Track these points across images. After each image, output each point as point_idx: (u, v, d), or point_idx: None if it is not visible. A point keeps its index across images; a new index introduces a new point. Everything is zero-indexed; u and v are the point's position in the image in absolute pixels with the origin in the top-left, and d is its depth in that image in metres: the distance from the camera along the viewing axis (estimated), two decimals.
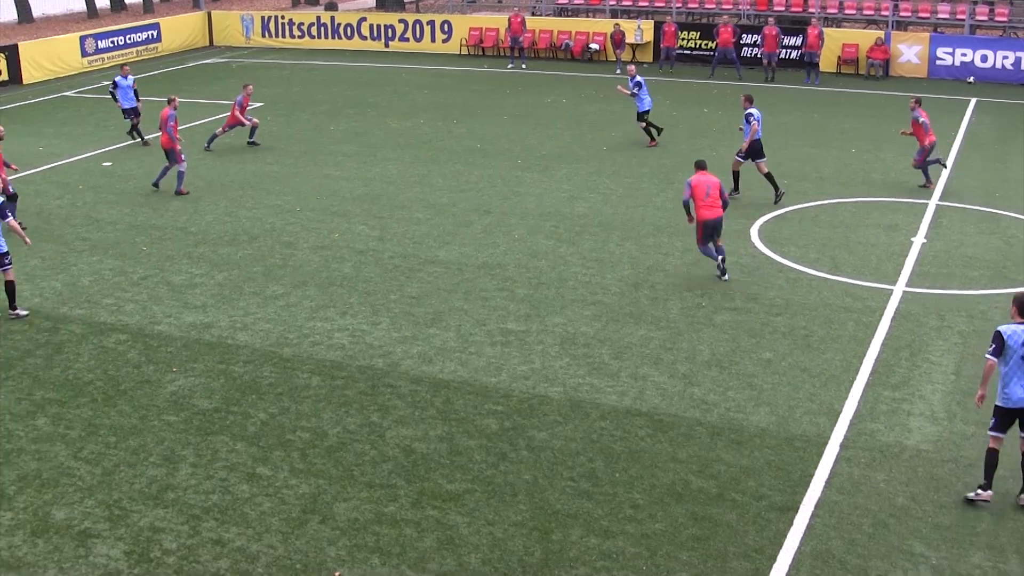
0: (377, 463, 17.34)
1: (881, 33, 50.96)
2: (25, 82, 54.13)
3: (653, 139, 37.02)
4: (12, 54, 54.53)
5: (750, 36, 52.05)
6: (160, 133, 32.83)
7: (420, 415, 18.81)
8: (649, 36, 53.82)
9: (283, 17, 64.38)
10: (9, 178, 29.93)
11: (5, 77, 53.69)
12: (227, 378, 20.57)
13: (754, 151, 30.58)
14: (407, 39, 60.03)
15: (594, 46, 54.39)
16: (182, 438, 18.41)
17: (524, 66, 53.24)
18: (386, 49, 60.16)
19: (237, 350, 21.77)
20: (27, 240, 24.27)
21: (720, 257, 24.92)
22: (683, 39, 53.32)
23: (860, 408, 18.80)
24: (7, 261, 23.44)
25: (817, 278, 24.73)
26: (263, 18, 64.56)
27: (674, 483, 16.54)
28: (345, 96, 44.71)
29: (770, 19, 51.03)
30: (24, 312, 23.90)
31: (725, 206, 24.69)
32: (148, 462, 17.72)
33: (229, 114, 38.41)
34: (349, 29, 61.76)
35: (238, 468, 17.40)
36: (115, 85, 40.44)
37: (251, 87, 38.59)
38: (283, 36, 63.35)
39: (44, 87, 53.35)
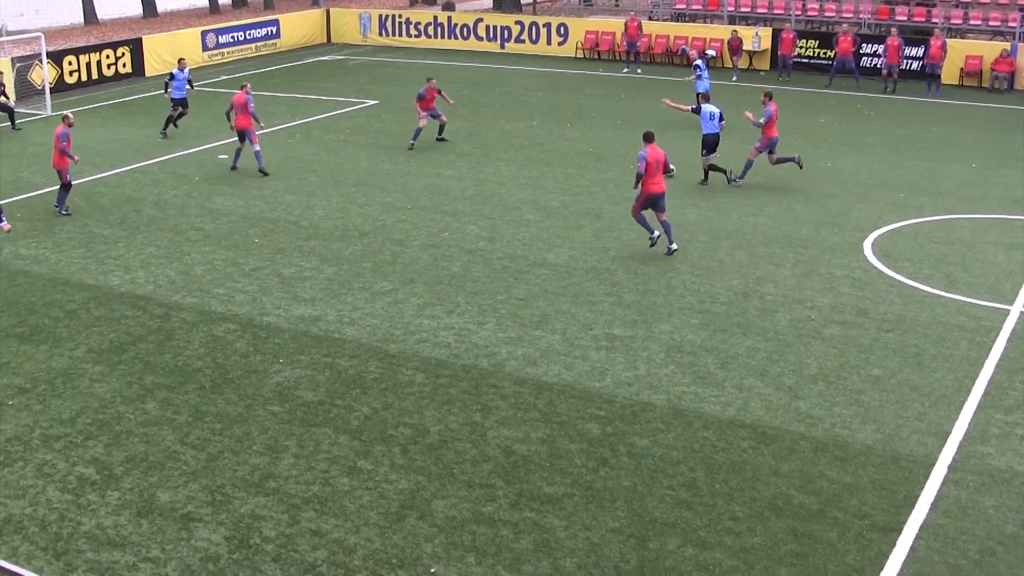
0: (477, 462, 17.41)
1: (1007, 45, 49.83)
2: (148, 75, 54.92)
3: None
4: (136, 47, 55.38)
5: (870, 46, 51.42)
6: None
7: (522, 417, 18.86)
8: (767, 44, 53.38)
9: (400, 16, 64.73)
10: (69, 168, 30.91)
11: (129, 70, 54.52)
12: (332, 371, 20.75)
13: (709, 144, 33.11)
14: (523, 41, 60.11)
15: (710, 52, 54.07)
16: (286, 428, 18.62)
17: (639, 71, 53.09)
18: (502, 50, 60.28)
19: (343, 344, 21.96)
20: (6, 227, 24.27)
21: (670, 232, 26.79)
22: (801, 47, 52.78)
23: (971, 430, 18.48)
24: None
25: (931, 295, 24.40)
26: (380, 16, 64.94)
27: (775, 497, 16.43)
28: (459, 96, 44.85)
29: (893, 29, 50.40)
30: None
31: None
32: (252, 450, 17.94)
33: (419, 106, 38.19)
34: (465, 29, 61.95)
35: (339, 461, 17.56)
36: (172, 76, 41.22)
37: (434, 80, 38.65)
38: (400, 35, 63.69)
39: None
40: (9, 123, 42.72)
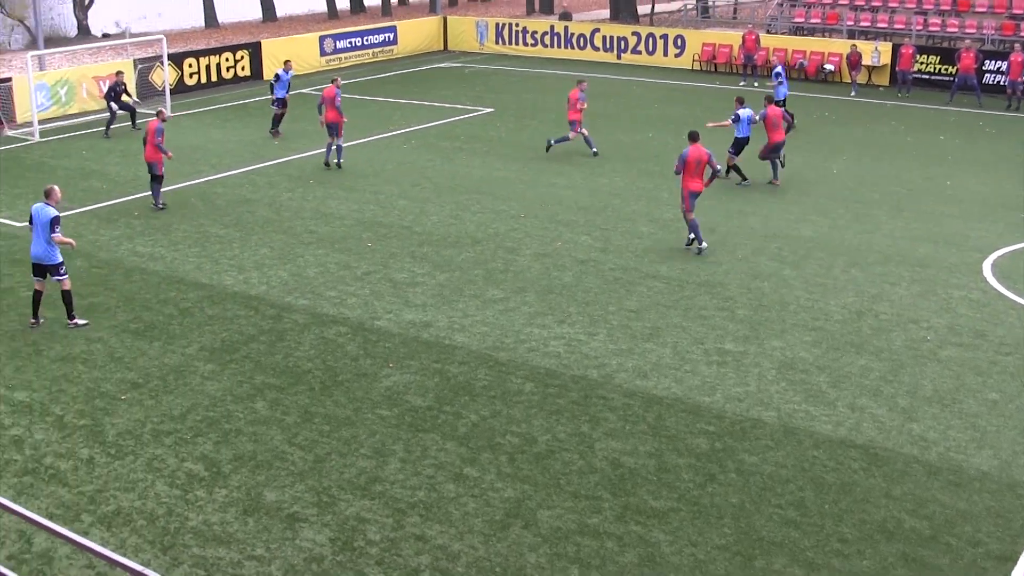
0: (584, 474, 17.33)
1: None
2: (266, 78, 55.38)
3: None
4: (255, 51, 56.03)
5: (993, 62, 50.50)
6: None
7: (631, 429, 18.75)
8: (886, 59, 52.67)
9: (517, 25, 64.84)
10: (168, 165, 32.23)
11: (247, 73, 55.13)
12: (442, 377, 20.77)
13: (738, 146, 34.70)
14: (639, 52, 59.92)
15: (829, 67, 53.58)
16: (393, 433, 18.66)
17: (756, 84, 52.69)
18: (618, 61, 60.14)
19: (453, 351, 21.97)
20: (73, 244, 24.34)
21: (693, 234, 28.18)
22: (921, 63, 51.99)
23: None
24: (62, 271, 23.50)
25: None
26: (497, 25, 65.10)
27: (885, 520, 16.18)
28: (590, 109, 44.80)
29: (1016, 45, 49.52)
30: (83, 322, 23.85)
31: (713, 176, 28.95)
32: (359, 453, 18.00)
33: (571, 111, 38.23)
34: (582, 39, 61.89)
35: (446, 467, 17.56)
36: (277, 78, 41.99)
37: (586, 83, 38.89)
38: (516, 43, 63.79)
39: (299, 82, 54.61)
40: (130, 123, 43.33)
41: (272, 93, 42.23)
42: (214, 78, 53.87)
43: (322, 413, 19.45)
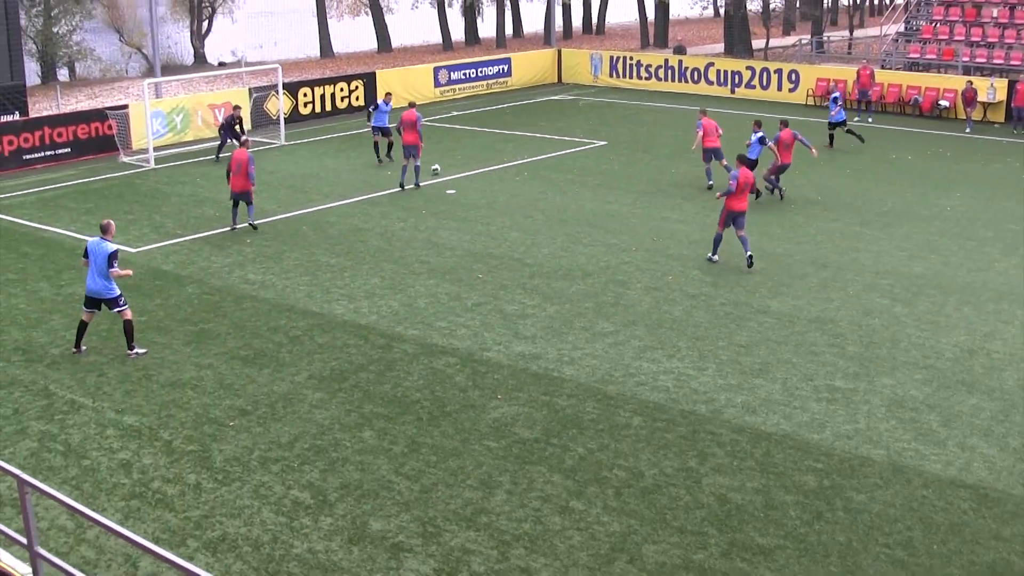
0: (691, 509, 17.22)
1: None
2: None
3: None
4: (370, 81, 56.56)
5: None
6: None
7: (738, 465, 18.61)
8: (1002, 95, 52.08)
9: (631, 58, 64.85)
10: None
11: (362, 103, 55.57)
12: (550, 410, 20.74)
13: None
14: (753, 86, 59.66)
15: (944, 103, 53.01)
16: (500, 464, 18.65)
17: (871, 119, 52.27)
18: (731, 95, 59.92)
19: (562, 383, 21.95)
20: (130, 274, 24.32)
21: (746, 245, 29.35)
22: None
23: None
24: (122, 303, 23.59)
25: None
26: (611, 58, 65.17)
27: (995, 562, 15.90)
28: (687, 139, 44.58)
29: None
30: (143, 351, 24.00)
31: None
32: (465, 484, 18.01)
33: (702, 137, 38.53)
34: (696, 73, 61.76)
35: (552, 499, 17.52)
36: (376, 107, 42.81)
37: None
38: (630, 77, 63.78)
39: (397, 114, 54.86)
40: (215, 154, 43.91)
41: (369, 121, 43.12)
42: (328, 108, 54.42)
43: (429, 443, 19.49)
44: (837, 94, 46.43)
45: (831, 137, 46.01)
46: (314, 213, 35.34)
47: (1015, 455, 18.99)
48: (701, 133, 37.84)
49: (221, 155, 43.08)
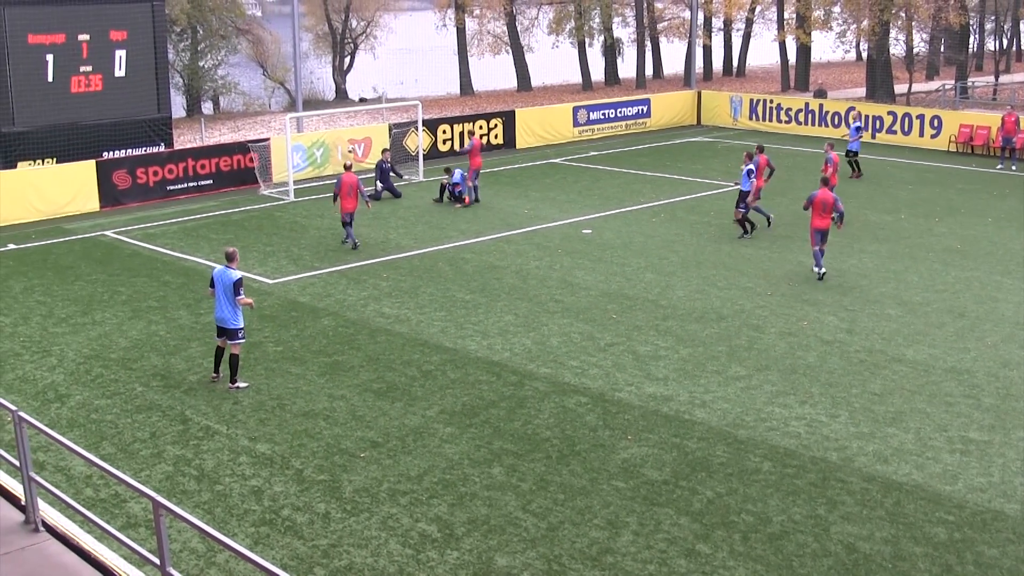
0: (818, 556, 17.06)
1: None
2: (518, 146, 56.31)
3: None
4: (509, 119, 56.92)
5: None
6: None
7: (868, 514, 18.40)
8: None
9: (772, 101, 64.57)
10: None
11: (500, 141, 55.94)
12: (679, 452, 20.68)
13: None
14: (894, 131, 59.05)
15: None
16: (628, 505, 18.62)
17: (1015, 167, 51.42)
18: (872, 140, 59.36)
19: (693, 426, 21.87)
20: (252, 304, 24.35)
21: (819, 259, 32.55)
22: None
23: None
24: (240, 336, 23.90)
25: None
26: (752, 101, 64.94)
27: None
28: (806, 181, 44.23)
29: None
30: (244, 385, 24.22)
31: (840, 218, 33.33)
32: (592, 523, 18.01)
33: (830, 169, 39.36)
34: (837, 117, 61.24)
35: (678, 542, 17.46)
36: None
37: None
38: (770, 120, 63.49)
39: (535, 152, 55.35)
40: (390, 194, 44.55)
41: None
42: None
43: (558, 481, 19.52)
44: (860, 123, 50.73)
45: (854, 165, 48.96)
46: (450, 250, 35.61)
47: None
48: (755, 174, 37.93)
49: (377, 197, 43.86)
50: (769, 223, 39.06)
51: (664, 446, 20.97)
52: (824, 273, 32.34)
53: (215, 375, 24.48)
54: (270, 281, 31.93)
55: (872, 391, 23.77)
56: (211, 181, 45.56)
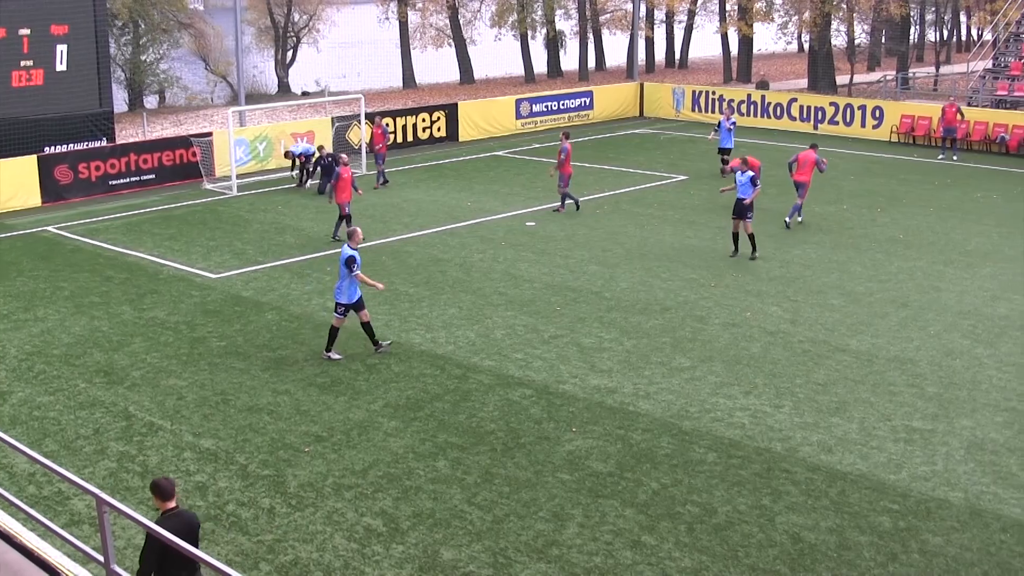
0: (763, 547, 17.09)
1: None
2: (461, 139, 56.27)
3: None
4: (452, 112, 56.85)
5: None
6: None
7: (813, 504, 18.46)
8: None
9: (714, 93, 64.76)
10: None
11: (443, 134, 55.88)
12: (624, 444, 20.68)
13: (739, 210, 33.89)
14: (836, 122, 59.32)
15: None
16: (573, 497, 18.61)
17: (956, 158, 51.73)
18: (814, 131, 59.57)
19: (637, 417, 21.88)
20: (379, 286, 25.42)
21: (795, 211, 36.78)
22: None
23: None
24: (339, 311, 24.98)
25: None
26: (694, 92, 65.09)
27: None
28: (769, 176, 44.35)
29: None
30: (337, 356, 25.34)
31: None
32: (537, 516, 17.99)
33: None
34: (779, 108, 61.51)
35: (624, 534, 17.46)
36: (335, 176, 42.64)
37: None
38: (713, 111, 63.53)
39: (478, 145, 55.29)
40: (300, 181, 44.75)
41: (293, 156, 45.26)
42: (410, 138, 54.71)
43: (503, 474, 19.49)
44: (734, 120, 48.08)
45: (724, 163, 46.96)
46: (394, 243, 35.50)
47: None
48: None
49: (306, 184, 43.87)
50: (578, 207, 40.23)
51: (609, 438, 20.96)
52: (789, 224, 37.27)
53: (379, 345, 25.72)
54: (213, 276, 31.75)
55: (816, 381, 23.85)
56: (153, 176, 45.23)
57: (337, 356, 25.17)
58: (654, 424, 21.60)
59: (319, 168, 44.07)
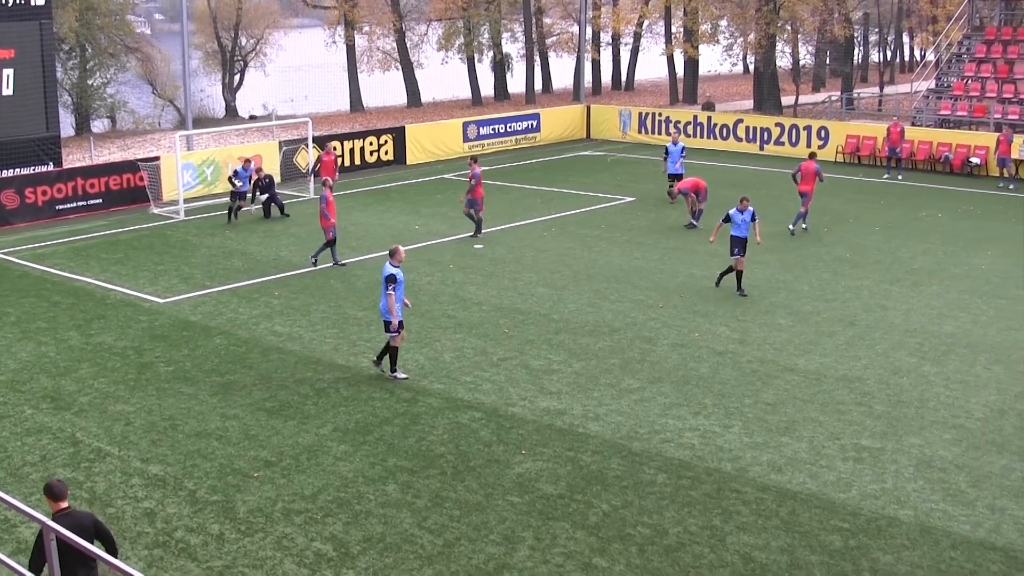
0: (715, 567, 17.10)
1: None
2: (409, 163, 56.27)
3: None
4: (399, 135, 56.80)
5: None
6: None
7: (763, 524, 18.49)
8: None
9: (660, 114, 64.97)
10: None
11: (391, 157, 55.83)
12: (574, 466, 20.66)
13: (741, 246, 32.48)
14: (782, 143, 59.65)
15: (975, 160, 52.89)
16: (524, 520, 18.57)
17: (900, 177, 52.13)
18: (760, 152, 59.91)
19: (587, 439, 21.87)
20: (397, 317, 25.15)
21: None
22: None
23: None
24: (390, 329, 25.05)
25: None
26: (640, 114, 65.30)
27: None
28: (716, 197, 44.48)
29: None
30: (403, 376, 25.39)
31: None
32: (488, 539, 17.93)
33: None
34: (725, 130, 61.78)
35: (575, 556, 17.43)
36: (235, 173, 42.26)
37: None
38: (659, 133, 63.79)
39: (426, 168, 55.24)
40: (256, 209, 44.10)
41: (233, 186, 43.04)
42: (358, 161, 54.63)
43: (453, 498, 19.43)
44: (683, 145, 47.36)
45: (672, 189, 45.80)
46: (342, 266, 35.39)
47: None
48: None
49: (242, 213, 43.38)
50: (477, 233, 39.99)
51: (559, 460, 20.94)
52: (793, 231, 39.84)
53: (390, 374, 25.57)
54: (161, 300, 31.57)
55: (765, 401, 23.91)
56: (101, 200, 44.97)
57: (403, 376, 25.36)
58: (604, 446, 21.59)
59: (257, 191, 43.79)
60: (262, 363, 26.38)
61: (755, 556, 17.47)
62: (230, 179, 43.04)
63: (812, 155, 41.80)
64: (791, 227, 40.06)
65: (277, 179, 46.49)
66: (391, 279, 24.66)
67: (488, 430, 22.39)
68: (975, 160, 52.91)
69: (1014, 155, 50.90)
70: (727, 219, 32.35)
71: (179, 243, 39.31)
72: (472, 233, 39.68)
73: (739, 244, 32.19)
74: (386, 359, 25.51)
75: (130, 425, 22.80)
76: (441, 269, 34.89)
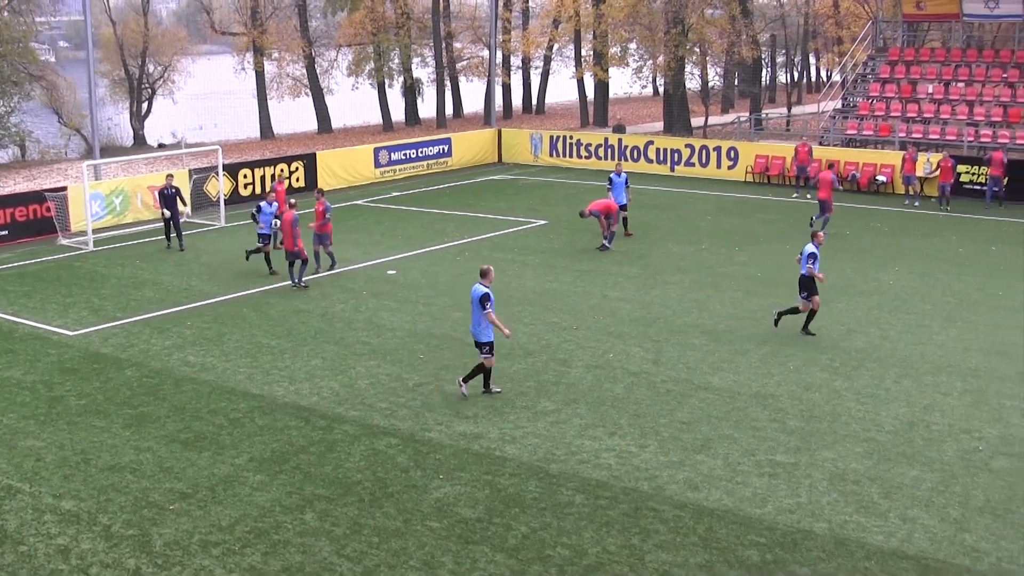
0: None
1: None
2: (323, 186, 55.95)
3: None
4: (310, 162, 56.62)
5: None
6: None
7: (681, 541, 18.58)
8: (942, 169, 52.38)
9: (571, 137, 65.26)
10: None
11: (303, 184, 55.61)
12: (492, 489, 20.67)
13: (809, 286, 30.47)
14: (692, 164, 60.08)
15: (881, 178, 53.57)
16: (443, 544, 18.55)
17: (809, 196, 52.58)
18: (671, 173, 60.32)
19: (504, 462, 21.89)
20: (507, 332, 25.50)
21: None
22: (971, 173, 51.90)
23: None
24: (485, 350, 25.46)
25: None
26: (552, 137, 65.58)
27: None
28: (629, 218, 44.73)
29: None
30: (497, 390, 25.94)
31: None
32: (408, 565, 17.90)
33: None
34: (636, 151, 62.15)
35: None
36: (259, 209, 39.08)
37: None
38: (570, 156, 64.14)
39: (337, 195, 55.02)
40: (168, 239, 43.09)
41: (255, 223, 39.70)
42: (268, 189, 54.25)
43: (371, 524, 19.38)
44: (626, 175, 44.43)
45: (625, 220, 44.28)
46: (255, 295, 35.23)
47: (955, 525, 19.08)
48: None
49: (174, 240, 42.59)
50: (316, 270, 38.18)
51: (476, 484, 20.94)
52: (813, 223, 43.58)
53: (485, 389, 25.95)
54: (71, 333, 31.26)
55: (680, 419, 24.05)
56: (6, 232, 44.46)
57: (497, 389, 25.84)
58: (521, 468, 21.62)
59: (164, 202, 42.52)
60: (175, 394, 26.19)
61: (674, 573, 17.55)
62: (252, 216, 39.89)
63: (831, 165, 46.60)
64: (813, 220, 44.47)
65: (188, 209, 46.08)
66: (486, 298, 24.90)
67: (405, 456, 22.35)
68: (881, 178, 53.57)
69: (919, 173, 51.67)
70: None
71: (88, 274, 38.97)
72: (329, 268, 38.60)
73: (806, 284, 30.27)
74: (475, 379, 25.94)
75: (41, 460, 22.53)
76: (355, 295, 34.81)
